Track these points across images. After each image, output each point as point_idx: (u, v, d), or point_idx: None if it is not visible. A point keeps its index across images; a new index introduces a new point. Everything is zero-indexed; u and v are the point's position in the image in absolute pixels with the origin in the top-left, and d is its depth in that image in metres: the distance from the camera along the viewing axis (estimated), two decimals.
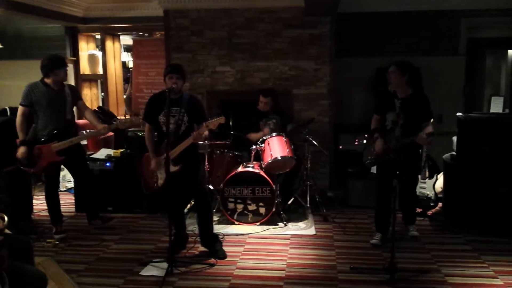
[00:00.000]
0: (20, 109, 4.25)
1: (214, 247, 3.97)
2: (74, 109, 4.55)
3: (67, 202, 5.40)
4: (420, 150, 4.43)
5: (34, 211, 5.00)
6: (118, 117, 6.91)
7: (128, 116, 7.32)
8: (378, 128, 4.19)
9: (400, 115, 3.78)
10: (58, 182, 4.62)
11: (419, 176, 4.76)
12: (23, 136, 4.23)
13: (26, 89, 4.25)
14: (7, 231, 2.85)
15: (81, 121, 5.89)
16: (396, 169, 3.66)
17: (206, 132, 3.95)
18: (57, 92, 4.31)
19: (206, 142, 4.98)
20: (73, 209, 5.26)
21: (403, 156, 3.82)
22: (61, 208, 4.56)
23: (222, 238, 4.28)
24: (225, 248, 4.03)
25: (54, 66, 4.25)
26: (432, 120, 4.59)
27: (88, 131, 4.78)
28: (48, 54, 4.37)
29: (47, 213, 4.53)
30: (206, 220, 4.02)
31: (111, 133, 6.47)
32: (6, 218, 2.80)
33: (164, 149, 3.72)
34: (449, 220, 4.72)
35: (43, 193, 4.49)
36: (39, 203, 5.22)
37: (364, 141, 5.53)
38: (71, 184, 5.70)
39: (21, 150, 4.19)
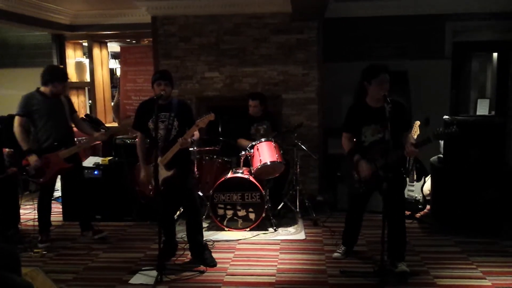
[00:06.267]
0: (18, 120, 4.22)
1: (203, 255, 3.94)
2: None
3: (54, 211, 5.28)
4: (406, 163, 4.19)
5: (21, 220, 4.93)
6: (106, 125, 6.87)
7: (116, 124, 7.28)
8: (355, 149, 3.70)
9: (387, 126, 3.28)
10: (53, 191, 4.59)
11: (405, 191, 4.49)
12: (27, 145, 4.21)
13: (23, 99, 4.25)
14: None
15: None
16: (381, 183, 3.34)
17: (196, 135, 3.90)
18: (54, 101, 4.33)
19: (195, 148, 4.97)
20: (61, 218, 5.21)
21: (391, 173, 3.37)
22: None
23: (212, 244, 4.26)
24: (214, 255, 4.01)
25: (55, 78, 4.27)
26: (418, 122, 4.60)
27: (84, 138, 4.72)
28: (51, 64, 4.37)
29: (34, 223, 4.47)
30: (195, 229, 3.99)
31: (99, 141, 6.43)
32: None
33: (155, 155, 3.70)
34: (437, 222, 4.76)
35: (31, 203, 4.44)
36: (27, 212, 5.15)
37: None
38: (58, 193, 5.65)
39: (34, 158, 4.16)
